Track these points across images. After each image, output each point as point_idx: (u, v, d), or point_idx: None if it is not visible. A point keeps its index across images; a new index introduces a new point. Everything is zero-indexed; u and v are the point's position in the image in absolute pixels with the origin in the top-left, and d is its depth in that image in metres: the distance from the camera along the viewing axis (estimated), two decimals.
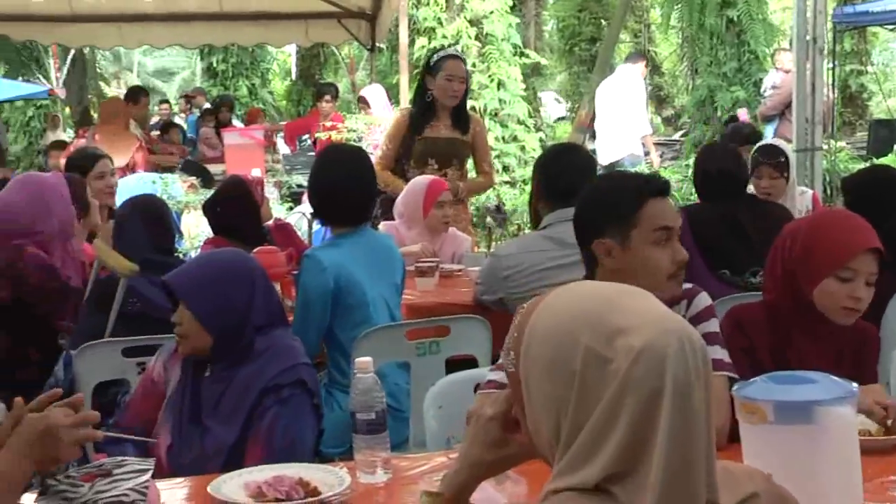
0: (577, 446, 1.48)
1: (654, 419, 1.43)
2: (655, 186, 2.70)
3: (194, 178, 8.85)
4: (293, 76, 24.84)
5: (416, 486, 2.39)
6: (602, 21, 20.69)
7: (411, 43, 10.29)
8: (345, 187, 4.01)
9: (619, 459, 1.45)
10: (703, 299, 2.82)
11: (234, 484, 2.34)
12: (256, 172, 8.67)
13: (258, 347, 2.87)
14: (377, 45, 11.12)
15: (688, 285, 2.81)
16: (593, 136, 11.61)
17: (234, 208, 4.79)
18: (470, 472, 1.86)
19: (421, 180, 5.41)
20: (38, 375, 4.05)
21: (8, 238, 4.13)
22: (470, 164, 6.27)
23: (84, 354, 3.71)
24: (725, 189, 4.66)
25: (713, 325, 2.75)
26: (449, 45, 9.91)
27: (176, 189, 7.89)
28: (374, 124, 9.20)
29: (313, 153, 14.91)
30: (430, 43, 10.31)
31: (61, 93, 17.35)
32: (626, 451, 1.44)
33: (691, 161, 7.99)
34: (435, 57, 6.07)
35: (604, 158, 10.47)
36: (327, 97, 10.72)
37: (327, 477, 2.37)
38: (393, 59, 16.72)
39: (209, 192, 8.21)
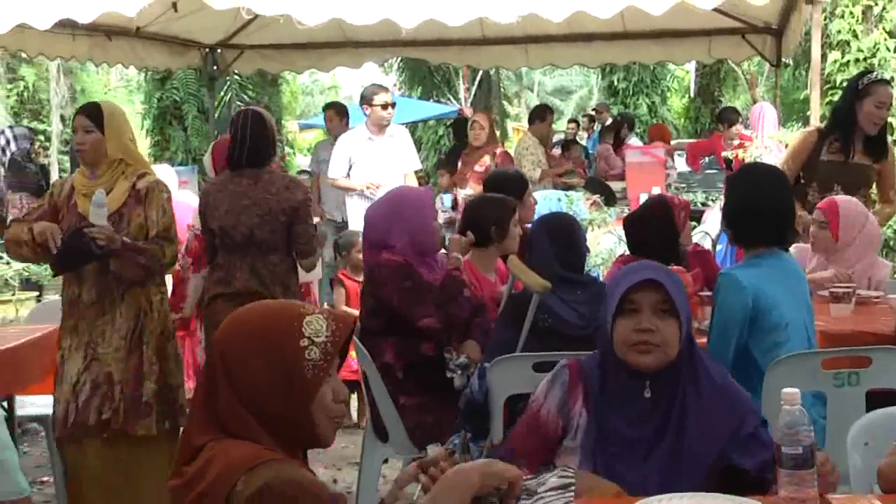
0: None
1: None
2: None
3: (598, 195, 8.89)
4: (692, 93, 24.52)
5: None
6: None
7: (823, 57, 9.81)
8: (765, 208, 3.88)
9: None
10: None
11: None
12: (657, 190, 8.60)
13: (715, 371, 2.76)
14: (783, 60, 10.71)
15: None
16: None
17: (653, 228, 4.78)
18: None
19: None
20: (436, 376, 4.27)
21: (370, 246, 4.48)
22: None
23: (497, 367, 3.81)
24: None
25: None
26: (864, 59, 9.40)
27: (580, 207, 7.97)
28: (776, 141, 8.86)
29: (713, 171, 14.64)
30: (842, 57, 9.81)
31: (469, 112, 18.10)
32: None
33: None
34: (865, 80, 5.75)
35: None
36: (738, 124, 10.48)
37: None
38: (796, 74, 16.07)
39: (612, 210, 8.26)
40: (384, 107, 7.78)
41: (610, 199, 9.12)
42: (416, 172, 8.35)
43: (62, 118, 20.64)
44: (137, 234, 4.52)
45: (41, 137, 19.02)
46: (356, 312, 4.63)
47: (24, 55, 9.86)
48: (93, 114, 4.57)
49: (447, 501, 1.99)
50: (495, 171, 6.09)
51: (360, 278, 6.28)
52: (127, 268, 4.47)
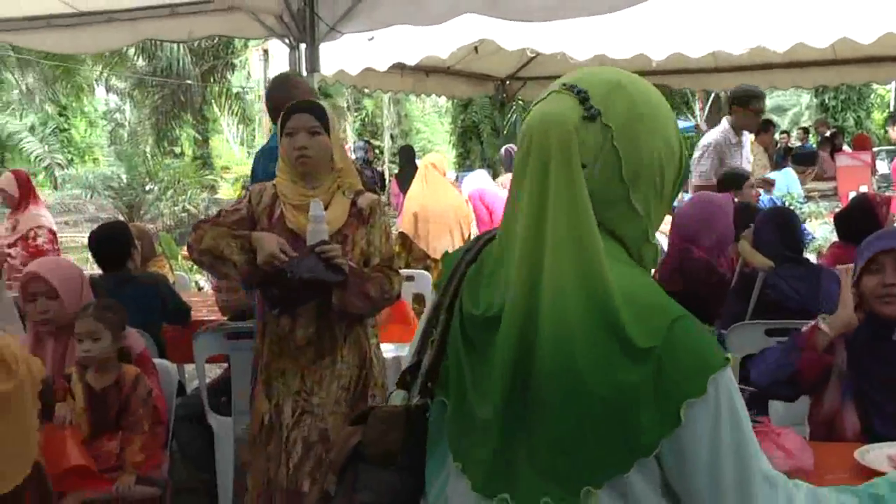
0: None
1: None
2: None
3: (808, 168, 8.17)
4: (891, 108, 22.69)
5: None
6: None
7: None
8: None
9: None
10: None
11: (879, 454, 2.09)
12: (863, 188, 8.00)
13: None
14: None
15: None
16: None
17: (857, 221, 4.44)
18: None
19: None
20: None
21: (681, 241, 4.21)
22: None
23: (734, 333, 3.65)
24: None
25: None
26: None
27: (797, 189, 7.57)
28: None
29: None
30: None
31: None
32: None
33: None
34: None
35: None
36: None
37: None
38: None
39: (825, 205, 7.72)
40: (757, 112, 5.90)
41: (814, 161, 8.45)
42: None
43: (391, 137, 21.52)
44: (358, 260, 2.98)
45: (376, 151, 19.94)
46: None
47: (366, 90, 10.31)
48: (317, 112, 2.93)
49: None
50: (725, 170, 5.78)
51: None
52: (352, 299, 2.88)
